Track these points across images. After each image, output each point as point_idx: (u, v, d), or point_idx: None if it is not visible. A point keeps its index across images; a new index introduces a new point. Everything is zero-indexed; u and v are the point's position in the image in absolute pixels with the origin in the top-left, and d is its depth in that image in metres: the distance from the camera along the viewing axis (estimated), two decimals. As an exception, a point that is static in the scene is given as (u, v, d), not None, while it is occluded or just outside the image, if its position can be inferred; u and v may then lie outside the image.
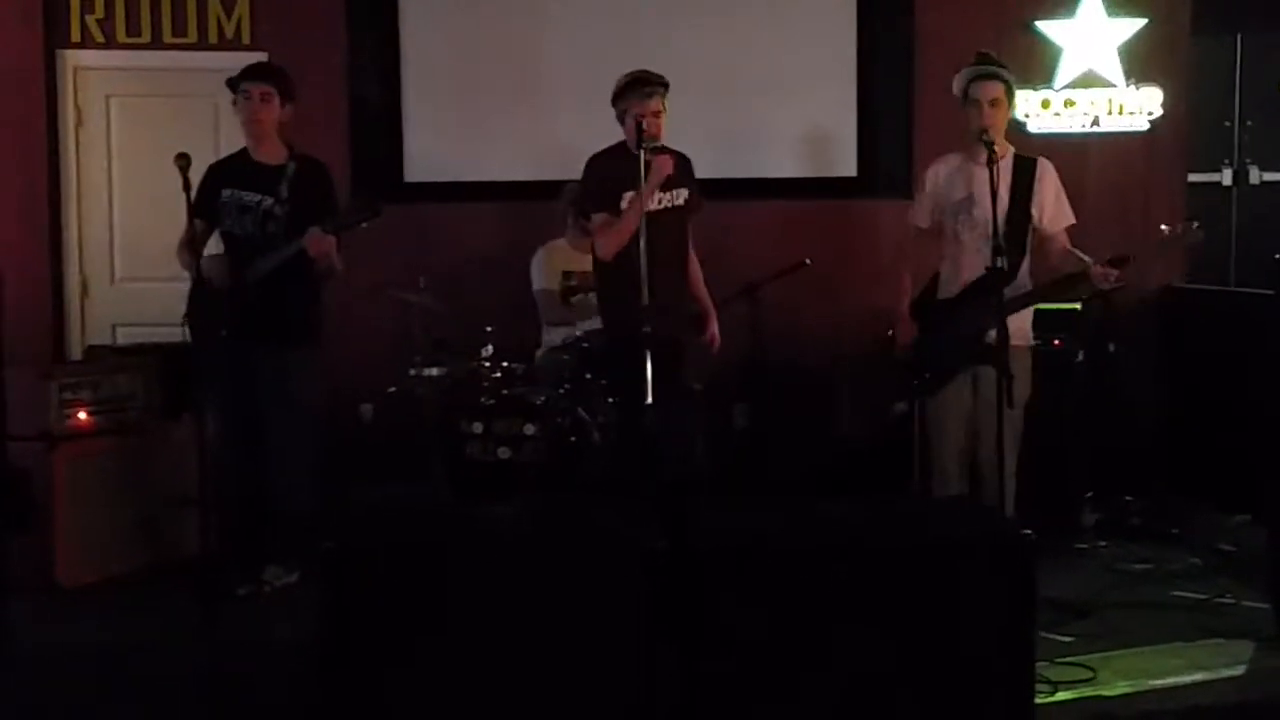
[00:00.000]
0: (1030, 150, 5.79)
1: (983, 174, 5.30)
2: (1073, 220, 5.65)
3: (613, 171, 5.79)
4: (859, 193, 7.81)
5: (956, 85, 5.61)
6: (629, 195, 5.70)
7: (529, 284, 7.06)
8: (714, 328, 6.22)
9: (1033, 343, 5.67)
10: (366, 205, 5.63)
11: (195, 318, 5.36)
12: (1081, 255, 5.47)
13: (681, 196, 5.90)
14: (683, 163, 5.91)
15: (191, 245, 5.42)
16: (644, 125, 5.51)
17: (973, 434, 5.55)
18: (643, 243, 5.09)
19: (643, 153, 5.36)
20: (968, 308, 5.50)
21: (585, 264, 6.92)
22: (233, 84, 5.80)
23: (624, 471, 5.71)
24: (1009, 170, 5.53)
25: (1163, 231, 5.47)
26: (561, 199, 7.02)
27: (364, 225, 5.59)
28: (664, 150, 5.67)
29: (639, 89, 5.70)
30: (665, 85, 5.75)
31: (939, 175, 5.73)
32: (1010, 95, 5.60)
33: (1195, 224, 5.40)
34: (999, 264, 5.08)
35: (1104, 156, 7.68)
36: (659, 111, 5.71)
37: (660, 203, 5.71)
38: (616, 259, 5.74)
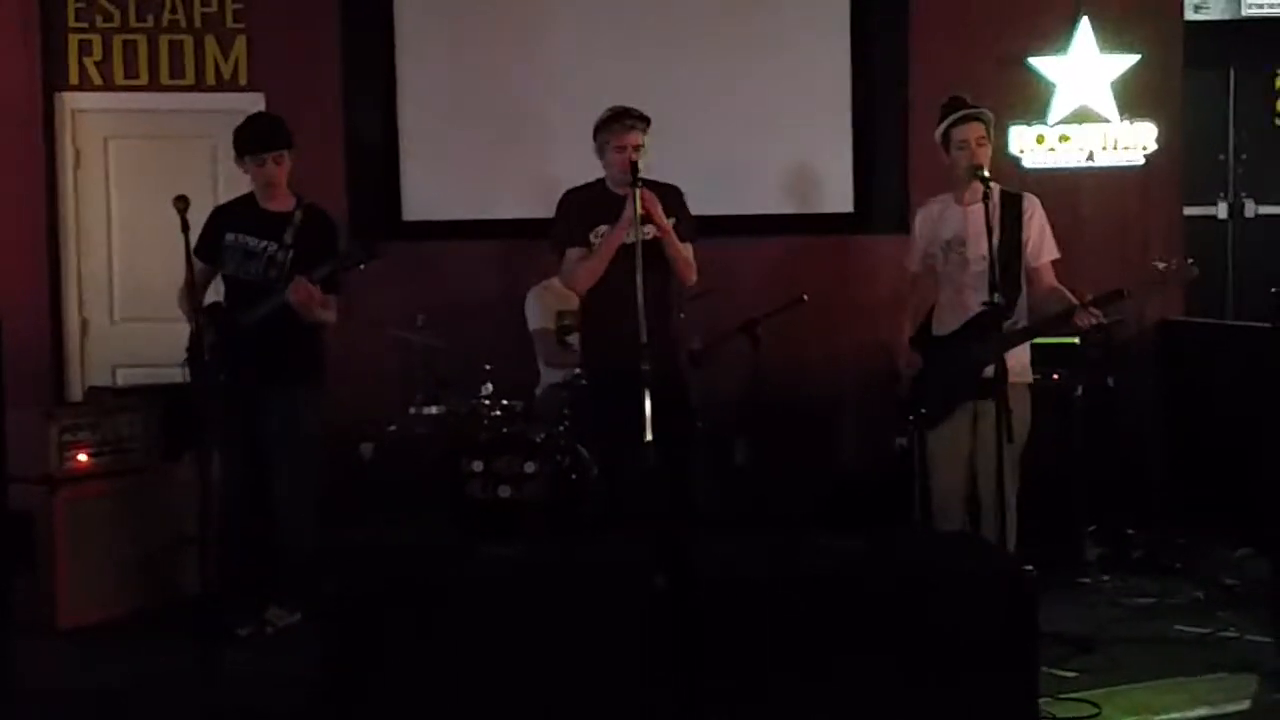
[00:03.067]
0: (1025, 186, 5.84)
1: (971, 212, 5.38)
2: (1056, 255, 5.67)
3: (588, 206, 5.80)
4: (855, 228, 7.84)
5: (938, 134, 5.68)
6: (603, 229, 5.72)
7: (527, 323, 7.08)
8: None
9: (1032, 379, 5.68)
10: (355, 252, 5.61)
11: (195, 360, 5.36)
12: (1066, 293, 5.49)
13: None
14: (671, 194, 5.89)
15: (192, 290, 5.43)
16: (631, 156, 5.53)
17: (973, 469, 5.56)
18: (639, 277, 5.06)
19: (634, 188, 5.30)
20: (965, 344, 5.53)
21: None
22: (241, 148, 5.78)
23: (623, 509, 5.70)
24: (997, 206, 5.56)
25: (1157, 267, 5.49)
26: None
27: (361, 268, 5.58)
28: (645, 184, 5.68)
29: (619, 122, 5.71)
30: (646, 120, 5.75)
31: (927, 218, 5.80)
32: (989, 132, 5.65)
33: (1190, 260, 5.43)
34: (995, 299, 5.11)
35: (1099, 191, 7.71)
36: (639, 145, 5.71)
37: (648, 234, 5.70)
38: (595, 294, 5.75)
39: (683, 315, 6.63)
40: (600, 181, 5.85)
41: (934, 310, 5.79)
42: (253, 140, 5.76)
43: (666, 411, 5.62)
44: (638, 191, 5.23)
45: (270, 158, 5.73)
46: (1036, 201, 5.68)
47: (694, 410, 6.12)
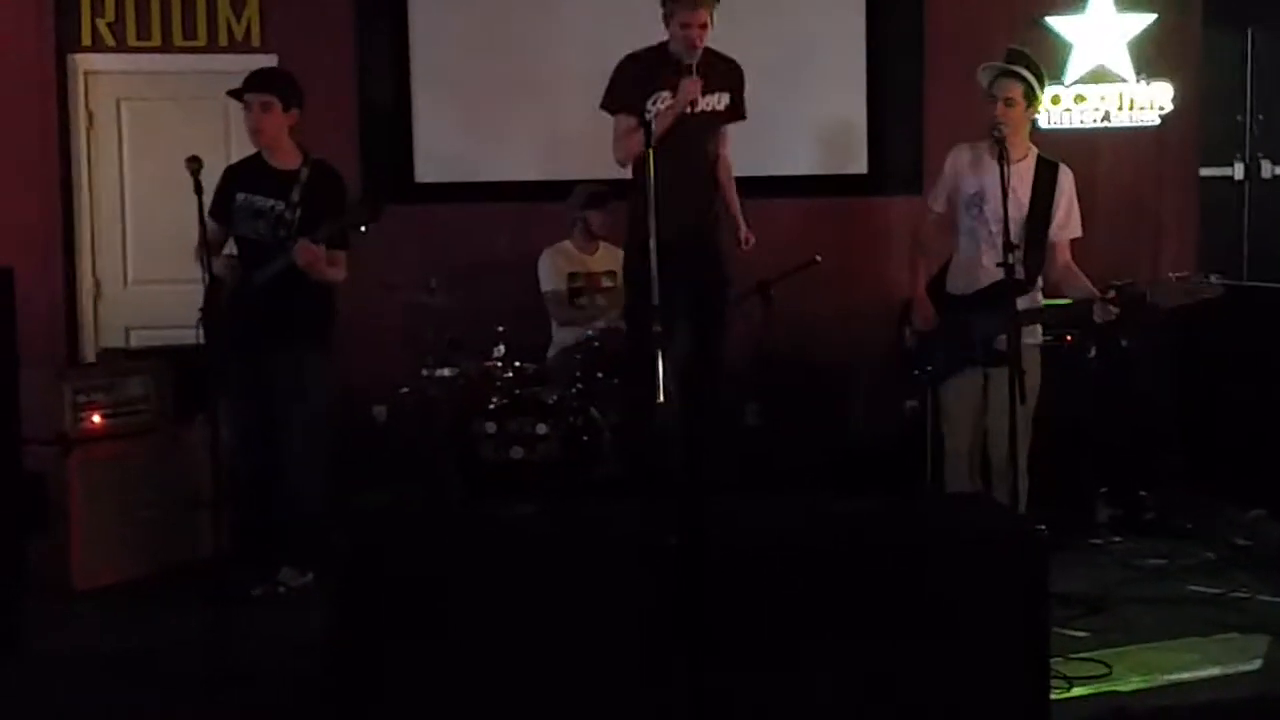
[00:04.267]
0: (1041, 146, 5.77)
1: (997, 170, 5.30)
2: (1079, 234, 5.61)
3: (644, 72, 5.84)
4: (870, 190, 7.82)
5: (982, 79, 5.60)
6: (662, 95, 5.76)
7: (539, 284, 7.08)
8: (745, 230, 6.13)
9: (1041, 340, 5.66)
10: (359, 211, 5.56)
11: (210, 319, 5.36)
12: (1081, 276, 5.45)
13: (723, 101, 5.93)
14: (730, 69, 5.96)
15: (207, 247, 5.42)
16: (695, 36, 5.68)
17: (984, 431, 5.56)
18: (651, 247, 5.04)
19: (692, 71, 5.55)
20: (978, 310, 5.49)
21: (590, 266, 6.95)
22: (235, 95, 5.79)
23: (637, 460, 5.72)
24: (1030, 172, 5.53)
25: (1170, 278, 5.42)
26: (571, 201, 7.04)
27: (363, 230, 5.53)
28: (709, 56, 5.78)
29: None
30: None
31: (957, 163, 5.70)
32: (1030, 96, 5.55)
33: (1214, 277, 5.35)
34: (1010, 260, 5.08)
35: (1115, 152, 7.67)
36: (705, 24, 5.73)
37: (697, 106, 5.70)
38: (639, 168, 5.69)
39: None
40: (663, 45, 5.85)
41: (949, 264, 5.75)
42: (243, 84, 5.75)
43: (705, 288, 5.62)
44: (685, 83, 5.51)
45: (256, 102, 5.68)
46: (1070, 175, 5.61)
47: (731, 282, 6.13)
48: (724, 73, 5.93)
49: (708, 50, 5.87)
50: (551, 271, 7.04)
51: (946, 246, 5.77)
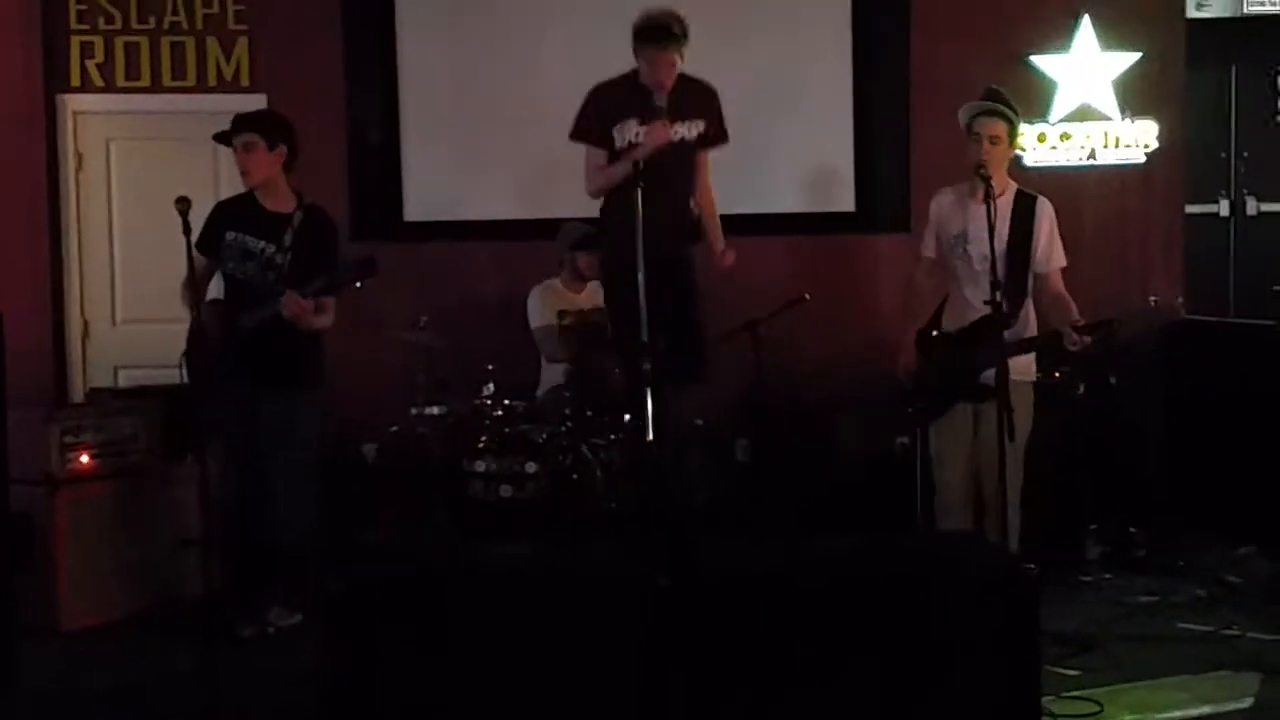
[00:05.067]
0: (1027, 184, 5.80)
1: (979, 210, 5.34)
2: (1063, 263, 5.63)
3: (613, 100, 5.84)
4: (857, 228, 7.84)
5: (962, 117, 5.63)
6: (627, 124, 5.77)
7: (528, 322, 7.08)
8: (722, 246, 6.08)
9: (1034, 378, 5.67)
10: (350, 269, 5.52)
11: (193, 358, 5.36)
12: (1071, 304, 5.46)
13: (696, 129, 5.91)
14: (704, 94, 5.94)
15: (193, 284, 5.42)
16: (664, 76, 5.69)
17: (975, 468, 5.56)
18: (640, 284, 5.08)
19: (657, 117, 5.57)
20: (966, 346, 5.52)
21: (579, 304, 6.96)
22: (222, 139, 5.80)
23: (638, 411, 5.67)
24: (1009, 208, 5.55)
25: (1150, 302, 5.46)
26: (559, 241, 7.05)
27: (358, 286, 5.51)
28: (682, 81, 5.78)
29: (656, 42, 5.73)
30: (685, 38, 5.77)
31: (940, 207, 5.76)
32: (1013, 134, 5.61)
33: (1180, 300, 5.39)
34: (997, 298, 5.10)
35: (1101, 189, 7.71)
36: (673, 63, 5.74)
37: (677, 136, 5.71)
38: (613, 198, 5.77)
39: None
40: (634, 73, 5.87)
41: (944, 303, 5.78)
42: (231, 125, 5.76)
43: (676, 326, 5.63)
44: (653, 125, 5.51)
45: (239, 143, 5.68)
46: (1049, 206, 5.63)
47: (701, 322, 6.08)
48: (696, 99, 5.91)
49: (680, 76, 5.86)
50: (540, 308, 7.05)
51: (940, 290, 5.80)
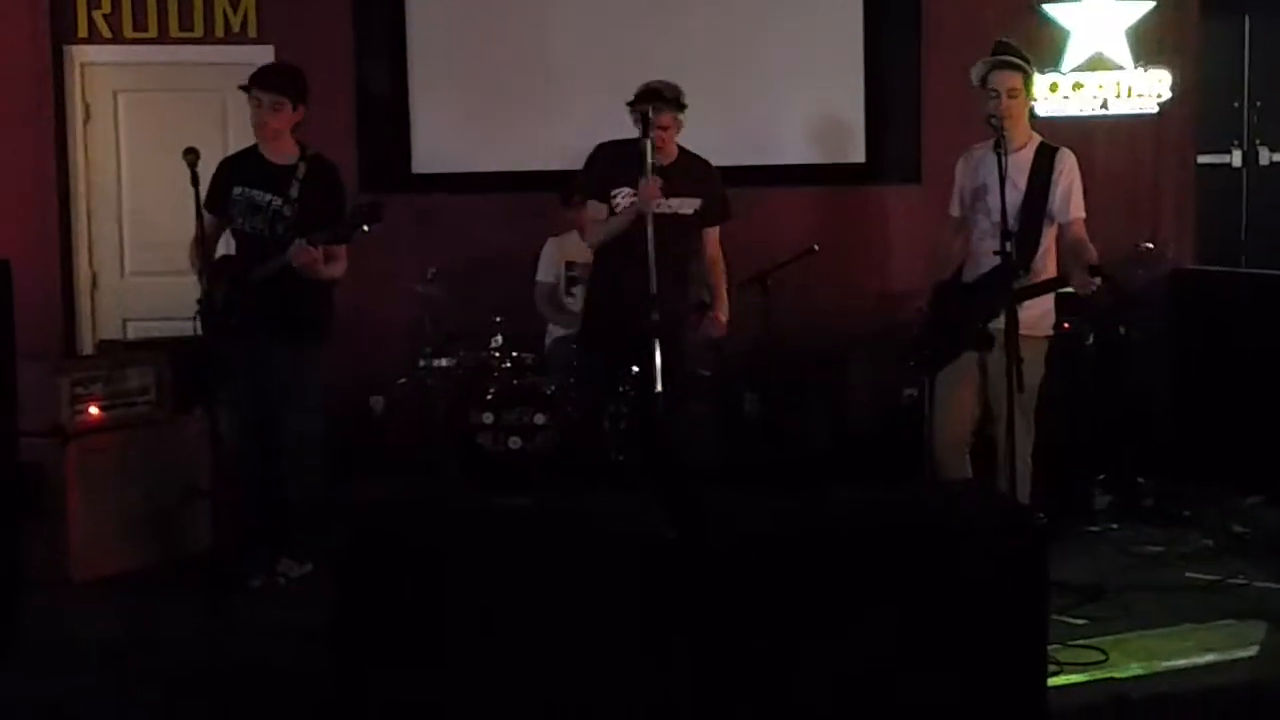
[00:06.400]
0: (1039, 134, 5.76)
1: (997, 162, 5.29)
2: (1082, 214, 5.57)
3: (615, 162, 5.81)
4: (867, 179, 7.81)
5: (975, 74, 5.58)
6: (622, 190, 5.74)
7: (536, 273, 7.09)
8: (715, 314, 6.11)
9: (1048, 333, 5.63)
10: (358, 215, 5.51)
11: (207, 313, 5.37)
12: (1091, 250, 5.42)
13: (690, 206, 5.86)
14: (702, 172, 5.91)
15: (202, 243, 5.42)
16: (661, 138, 5.63)
17: (978, 417, 5.56)
18: (650, 245, 5.19)
19: (648, 166, 5.46)
20: (974, 296, 5.50)
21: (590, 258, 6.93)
22: (246, 89, 5.75)
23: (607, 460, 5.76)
24: (1029, 161, 5.52)
25: (1145, 248, 5.41)
26: (577, 197, 7.02)
27: (365, 229, 5.51)
28: (682, 156, 5.80)
29: (650, 103, 5.69)
30: (680, 104, 5.78)
31: (967, 162, 5.71)
32: (1029, 85, 5.55)
33: (1171, 246, 5.34)
34: (1007, 249, 5.08)
35: (1113, 139, 7.67)
36: (668, 126, 5.72)
37: (660, 207, 5.66)
38: (604, 254, 5.82)
39: (693, 267, 6.61)
40: (634, 140, 5.83)
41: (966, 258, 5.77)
42: (254, 78, 5.73)
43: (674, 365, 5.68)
44: (647, 182, 5.45)
45: (267, 100, 5.65)
46: (1070, 158, 5.56)
47: (684, 390, 6.02)
48: (696, 176, 5.87)
49: (683, 151, 5.87)
50: (548, 261, 7.04)
51: (965, 249, 5.77)
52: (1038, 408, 5.52)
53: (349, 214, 5.57)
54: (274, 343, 5.65)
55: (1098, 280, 5.21)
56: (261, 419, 5.71)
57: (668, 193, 5.66)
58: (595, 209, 5.88)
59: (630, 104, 5.77)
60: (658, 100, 5.70)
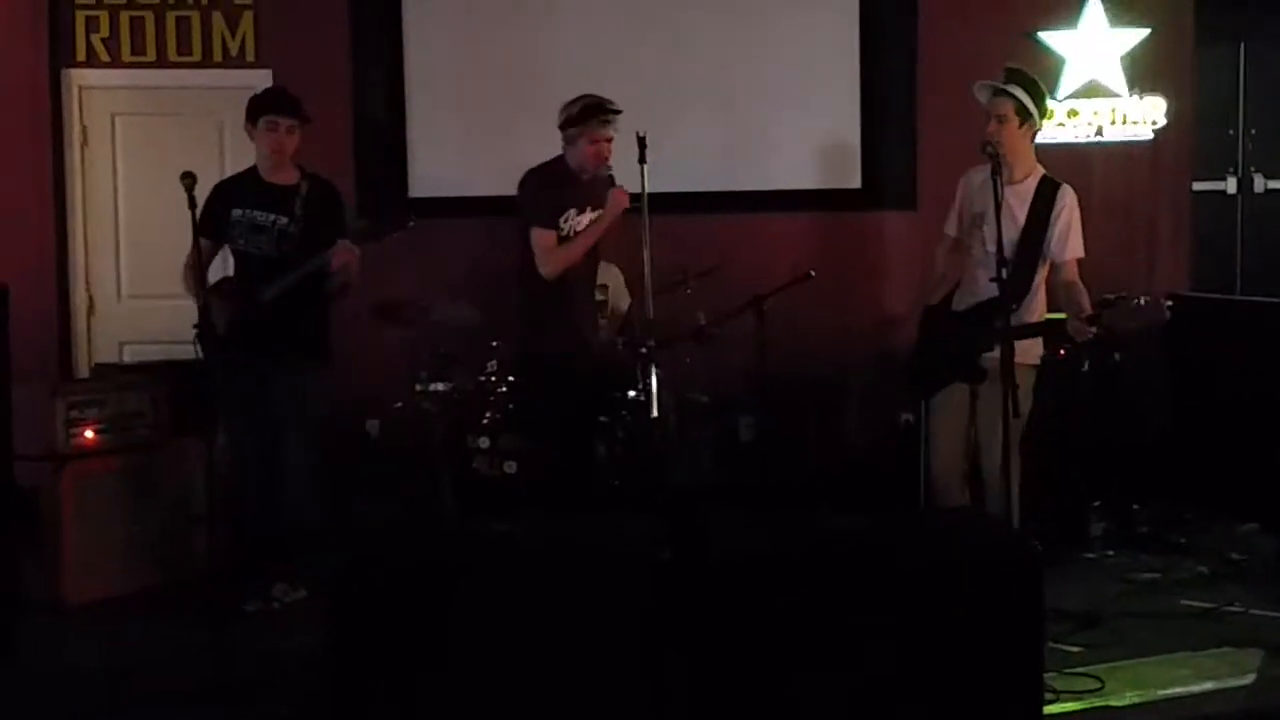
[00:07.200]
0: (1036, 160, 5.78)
1: (1005, 192, 5.29)
2: (1080, 254, 5.55)
3: (554, 188, 5.81)
4: (864, 205, 7.81)
5: (980, 95, 5.60)
6: (569, 214, 5.76)
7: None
8: None
9: (1036, 361, 5.63)
10: (394, 218, 5.71)
11: (206, 335, 5.37)
12: (1083, 294, 5.43)
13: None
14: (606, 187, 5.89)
15: (197, 266, 5.43)
16: (605, 151, 5.71)
17: (970, 446, 5.56)
18: (645, 261, 5.17)
19: (611, 181, 5.61)
20: (967, 326, 5.50)
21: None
22: (255, 111, 5.79)
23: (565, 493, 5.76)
24: (1030, 193, 5.52)
25: (1139, 302, 5.40)
26: None
27: (394, 236, 5.66)
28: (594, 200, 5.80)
29: (596, 118, 5.74)
30: (618, 113, 5.79)
31: (967, 185, 5.71)
32: (1023, 113, 5.54)
33: (1168, 303, 5.33)
34: (1003, 275, 5.09)
35: (1108, 166, 7.68)
36: (611, 139, 5.75)
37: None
38: (559, 281, 5.76)
39: (689, 290, 6.64)
40: (560, 161, 5.85)
41: (959, 283, 5.77)
42: (273, 103, 5.77)
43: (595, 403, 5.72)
44: (612, 193, 5.57)
45: (284, 125, 5.71)
46: (1070, 195, 5.56)
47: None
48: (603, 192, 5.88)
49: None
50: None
51: (959, 270, 5.78)
52: (1029, 435, 5.52)
53: (386, 215, 5.76)
54: (279, 363, 5.66)
55: (1093, 330, 5.23)
56: (261, 443, 5.71)
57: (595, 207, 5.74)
58: (546, 236, 5.76)
59: (573, 121, 5.79)
60: (605, 113, 5.75)
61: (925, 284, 5.93)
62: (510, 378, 6.61)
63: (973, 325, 5.44)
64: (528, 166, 7.58)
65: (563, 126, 5.81)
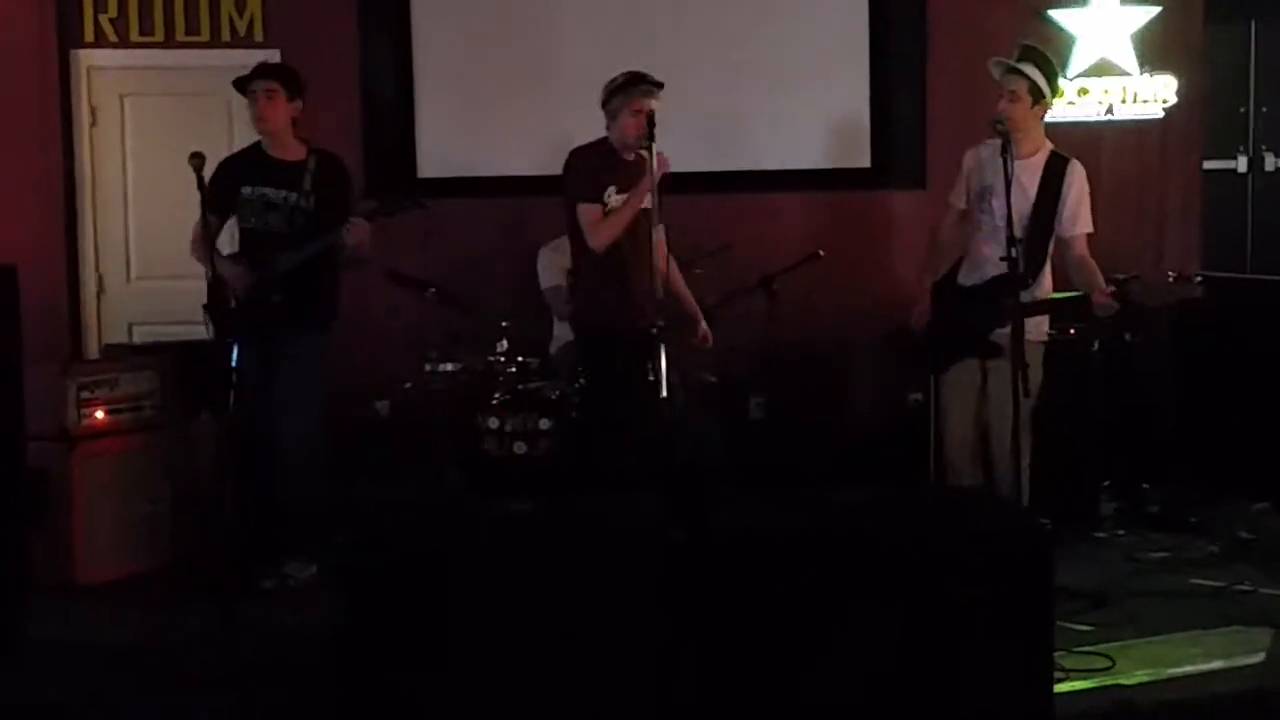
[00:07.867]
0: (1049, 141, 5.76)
1: (1011, 165, 5.28)
2: (1090, 229, 5.56)
3: (600, 167, 5.83)
4: (873, 184, 7.80)
5: (994, 71, 5.61)
6: (611, 191, 5.77)
7: (538, 281, 7.07)
8: (704, 326, 6.19)
9: (1045, 338, 5.64)
10: (406, 194, 5.81)
11: (216, 311, 5.39)
12: (1095, 269, 5.43)
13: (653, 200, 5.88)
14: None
15: (207, 238, 5.44)
16: (652, 120, 5.55)
17: (982, 423, 5.56)
18: (653, 235, 5.14)
19: (652, 150, 5.44)
20: (979, 302, 5.50)
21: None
22: (240, 86, 5.83)
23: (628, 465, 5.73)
24: (1040, 168, 5.52)
25: (1168, 276, 5.40)
26: None
27: (408, 211, 5.74)
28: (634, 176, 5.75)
29: (636, 87, 5.74)
30: (660, 85, 5.78)
31: (975, 157, 5.71)
32: (1036, 93, 5.53)
33: (1199, 279, 5.33)
34: (1014, 254, 5.08)
35: (1118, 145, 7.66)
36: (652, 110, 5.73)
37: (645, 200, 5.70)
38: (607, 254, 5.78)
39: (699, 270, 6.63)
40: (604, 141, 5.86)
41: (963, 257, 5.76)
42: (251, 73, 5.82)
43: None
44: (654, 157, 5.40)
45: (261, 89, 5.73)
46: (1080, 170, 5.58)
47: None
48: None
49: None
50: (551, 269, 7.03)
51: (962, 243, 5.77)
52: (1039, 414, 5.51)
53: (400, 193, 5.83)
54: (286, 334, 5.67)
55: (1116, 305, 5.23)
56: (264, 419, 5.71)
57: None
58: (593, 210, 5.81)
59: (614, 94, 5.79)
60: (647, 84, 5.75)
61: (927, 257, 5.92)
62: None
63: (984, 301, 5.43)
64: (533, 147, 7.63)
65: (605, 102, 5.82)
